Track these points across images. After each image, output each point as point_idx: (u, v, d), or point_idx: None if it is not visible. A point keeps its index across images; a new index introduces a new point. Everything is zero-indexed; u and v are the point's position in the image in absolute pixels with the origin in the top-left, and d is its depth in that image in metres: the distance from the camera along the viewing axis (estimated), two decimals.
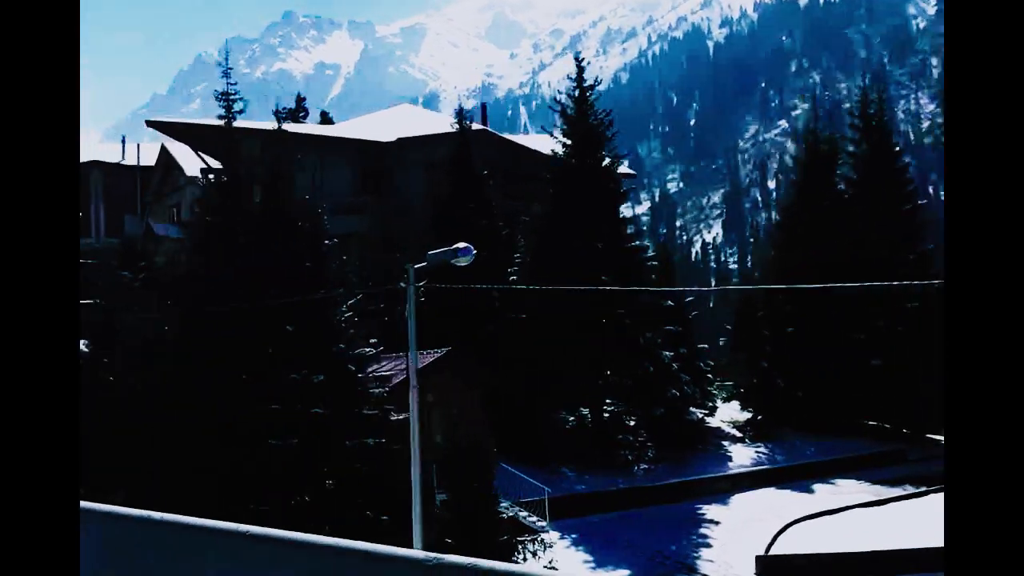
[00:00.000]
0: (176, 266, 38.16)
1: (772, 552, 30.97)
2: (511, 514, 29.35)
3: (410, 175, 51.82)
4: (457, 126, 43.65)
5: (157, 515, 6.39)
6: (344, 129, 60.48)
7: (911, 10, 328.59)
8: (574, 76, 42.30)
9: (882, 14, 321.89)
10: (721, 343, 58.39)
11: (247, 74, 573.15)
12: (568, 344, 38.00)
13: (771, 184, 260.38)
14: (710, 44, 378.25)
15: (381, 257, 42.30)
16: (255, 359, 28.69)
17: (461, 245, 18.01)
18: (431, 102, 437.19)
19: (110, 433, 29.16)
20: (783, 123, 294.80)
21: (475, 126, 49.29)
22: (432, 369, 33.20)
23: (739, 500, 36.93)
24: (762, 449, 42.74)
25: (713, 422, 44.46)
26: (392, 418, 29.71)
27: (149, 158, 67.71)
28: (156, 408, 28.75)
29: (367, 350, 30.61)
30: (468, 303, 36.58)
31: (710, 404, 45.28)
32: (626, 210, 46.49)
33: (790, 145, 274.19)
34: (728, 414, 46.62)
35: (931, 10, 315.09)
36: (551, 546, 28.74)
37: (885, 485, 38.48)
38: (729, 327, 49.82)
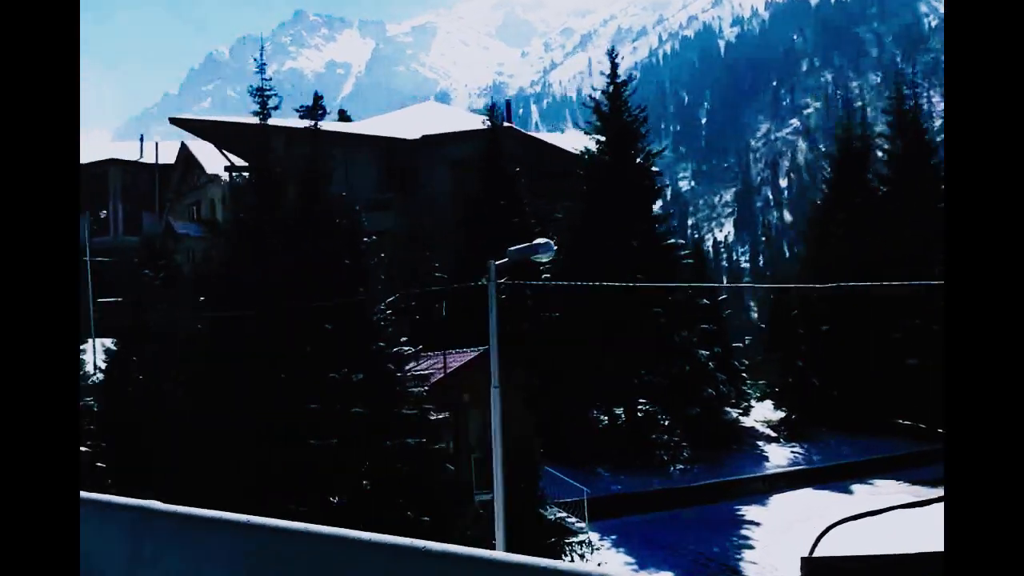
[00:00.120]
0: (208, 263, 37.81)
1: (816, 554, 30.46)
2: (553, 515, 28.91)
3: (435, 172, 51.49)
4: (488, 122, 43.12)
5: (158, 505, 6.67)
6: (366, 127, 60.14)
7: (923, 8, 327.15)
8: (607, 72, 41.92)
9: (894, 12, 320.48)
10: (747, 341, 57.91)
11: (258, 73, 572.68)
12: (602, 343, 37.57)
13: (783, 183, 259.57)
14: (721, 43, 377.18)
15: (406, 255, 41.91)
16: (294, 358, 28.30)
17: (541, 241, 17.65)
18: (442, 101, 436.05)
19: (143, 431, 28.87)
20: (795, 122, 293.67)
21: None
22: (468, 368, 32.81)
23: (778, 501, 36.52)
24: (798, 449, 42.29)
25: (747, 422, 44.00)
26: (431, 417, 29.34)
27: (166, 156, 67.55)
28: (190, 407, 28.40)
29: (406, 349, 30.20)
30: (501, 302, 36.13)
31: (744, 404, 44.79)
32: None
33: (802, 144, 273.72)
34: (761, 413, 46.13)
35: (943, 8, 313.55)
36: (598, 548, 28.30)
37: (925, 486, 37.90)
38: (763, 325, 49.35)
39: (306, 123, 34.60)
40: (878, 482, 39.07)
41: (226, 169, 51.90)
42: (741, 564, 30.06)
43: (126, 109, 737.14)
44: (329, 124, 64.53)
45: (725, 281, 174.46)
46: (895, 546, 29.76)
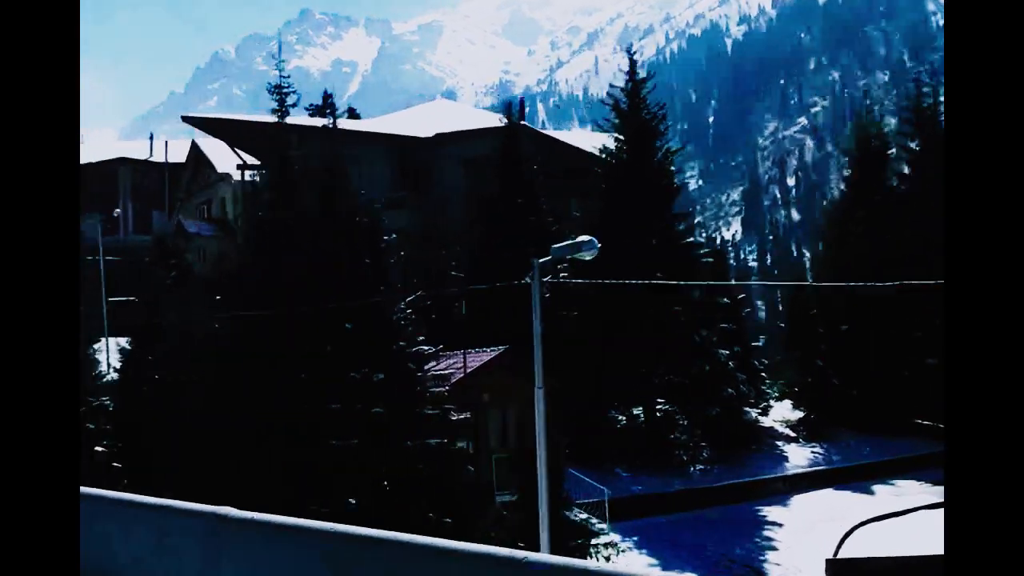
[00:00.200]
0: (222, 261, 37.56)
1: (841, 555, 30.15)
2: (576, 517, 28.59)
3: (448, 170, 51.14)
4: (504, 120, 42.66)
5: (155, 500, 6.79)
6: (378, 125, 59.87)
7: (931, 6, 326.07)
8: (626, 69, 41.52)
9: (901, 10, 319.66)
10: (761, 340, 57.58)
11: (264, 71, 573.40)
12: (620, 342, 37.23)
13: (791, 181, 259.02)
14: (728, 41, 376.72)
15: (420, 254, 41.60)
16: (314, 357, 28.01)
17: (585, 238, 17.36)
18: (449, 99, 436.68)
19: (159, 430, 28.58)
20: (802, 120, 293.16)
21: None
22: (487, 368, 32.54)
23: (799, 501, 36.20)
24: (817, 449, 41.94)
25: (766, 422, 43.64)
26: (452, 418, 29.05)
27: (176, 155, 67.29)
28: (208, 407, 28.11)
29: (426, 348, 29.90)
30: (518, 302, 35.80)
31: (764, 403, 44.43)
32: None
33: (809, 142, 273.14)
34: (780, 413, 45.76)
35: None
36: (623, 551, 28.00)
37: None
38: (782, 324, 49.01)
39: (318, 121, 34.33)
40: (899, 482, 38.70)
41: (239, 167, 51.61)
42: (765, 565, 29.76)
43: (129, 109, 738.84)
44: (342, 122, 64.42)
45: (733, 280, 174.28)
46: (921, 547, 29.51)
